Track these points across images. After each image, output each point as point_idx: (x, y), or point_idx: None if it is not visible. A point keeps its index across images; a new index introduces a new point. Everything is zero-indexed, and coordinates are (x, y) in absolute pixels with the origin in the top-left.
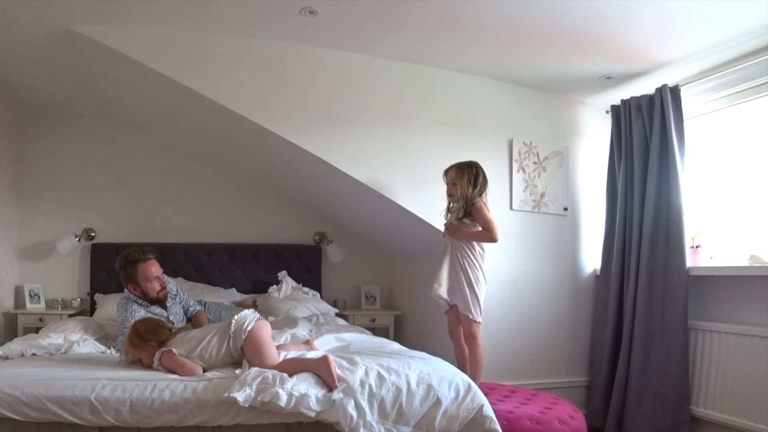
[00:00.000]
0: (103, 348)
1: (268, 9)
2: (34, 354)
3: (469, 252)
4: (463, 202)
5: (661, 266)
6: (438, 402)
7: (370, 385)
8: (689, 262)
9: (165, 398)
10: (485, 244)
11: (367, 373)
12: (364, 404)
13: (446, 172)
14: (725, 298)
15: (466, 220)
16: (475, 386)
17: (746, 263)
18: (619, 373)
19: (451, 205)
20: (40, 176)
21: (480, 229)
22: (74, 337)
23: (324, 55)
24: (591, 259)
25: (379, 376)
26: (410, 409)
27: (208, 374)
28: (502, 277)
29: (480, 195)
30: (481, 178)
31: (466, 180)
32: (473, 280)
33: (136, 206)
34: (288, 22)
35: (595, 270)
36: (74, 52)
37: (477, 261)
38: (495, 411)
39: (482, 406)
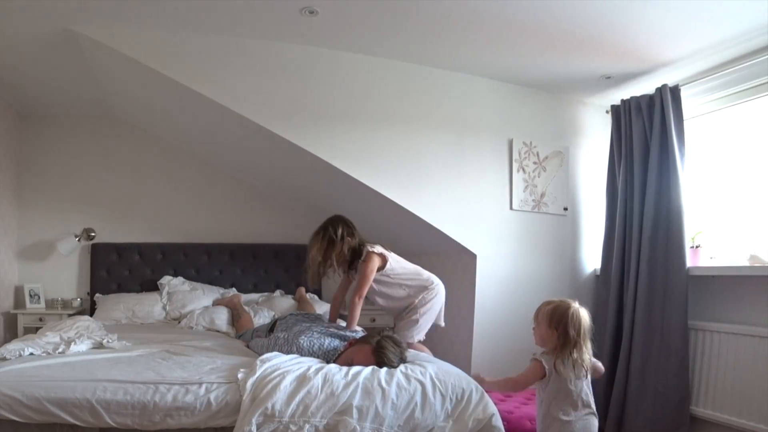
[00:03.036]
0: (100, 339)
1: (268, 9)
2: (31, 353)
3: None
4: (337, 261)
5: (661, 266)
6: (449, 410)
7: (390, 394)
8: (689, 262)
9: (167, 401)
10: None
11: (387, 382)
12: (383, 412)
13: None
14: (725, 298)
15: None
16: (486, 395)
17: (746, 263)
18: (619, 373)
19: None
20: (40, 176)
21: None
22: (71, 334)
23: (324, 55)
24: (591, 259)
25: (398, 385)
26: (422, 416)
27: (211, 377)
28: (501, 276)
29: (355, 245)
30: (340, 232)
31: (319, 248)
32: None
33: (136, 206)
34: (288, 22)
35: (595, 270)
36: (74, 52)
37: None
38: None
39: (493, 415)
